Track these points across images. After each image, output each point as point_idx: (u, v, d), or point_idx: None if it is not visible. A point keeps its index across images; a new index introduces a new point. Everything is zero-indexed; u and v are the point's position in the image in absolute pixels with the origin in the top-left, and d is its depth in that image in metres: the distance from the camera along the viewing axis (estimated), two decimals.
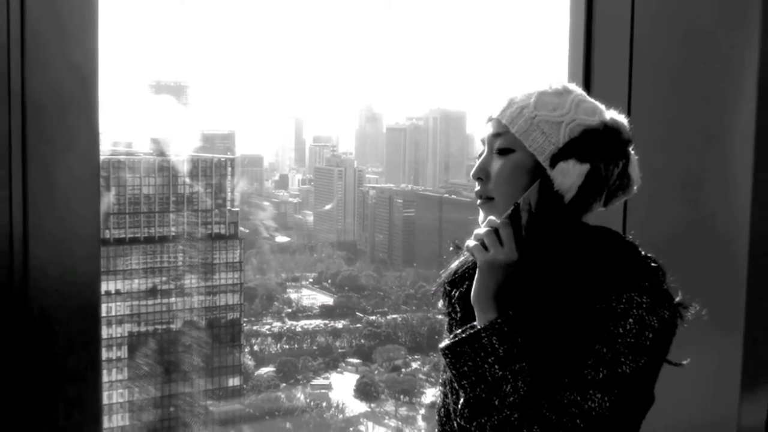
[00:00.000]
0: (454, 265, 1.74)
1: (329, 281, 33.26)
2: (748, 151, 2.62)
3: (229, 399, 26.15)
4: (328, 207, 37.03)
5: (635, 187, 1.67)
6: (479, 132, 1.68)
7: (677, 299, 1.57)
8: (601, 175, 1.59)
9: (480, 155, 1.65)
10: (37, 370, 1.87)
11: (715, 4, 2.67)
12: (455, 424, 1.57)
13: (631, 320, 1.47)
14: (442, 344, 1.56)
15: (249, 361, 28.41)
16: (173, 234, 25.59)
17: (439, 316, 1.76)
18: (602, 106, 1.65)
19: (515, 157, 1.59)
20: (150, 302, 24.82)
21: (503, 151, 1.60)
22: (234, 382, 26.25)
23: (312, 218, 38.07)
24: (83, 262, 1.92)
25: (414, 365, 29.17)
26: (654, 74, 2.76)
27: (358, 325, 30.94)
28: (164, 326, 25.20)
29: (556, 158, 1.56)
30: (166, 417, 24.73)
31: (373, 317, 31.16)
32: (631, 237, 1.65)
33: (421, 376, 28.76)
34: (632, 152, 1.65)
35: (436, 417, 1.74)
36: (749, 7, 2.57)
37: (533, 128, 1.57)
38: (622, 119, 1.65)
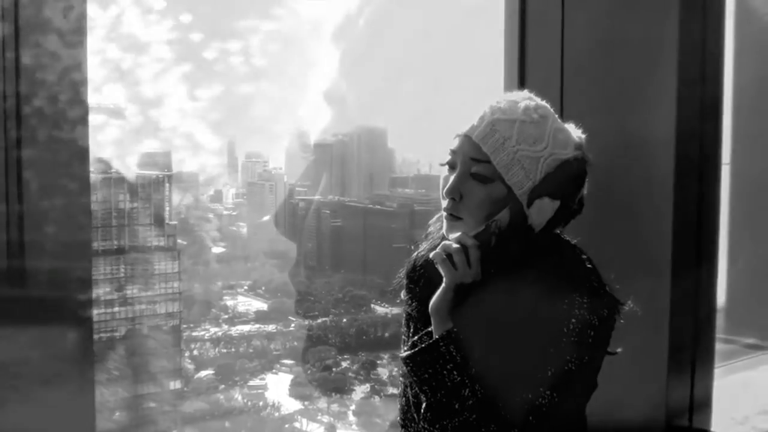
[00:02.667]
0: (413, 257, 1.71)
1: (263, 288, 33.01)
2: (669, 156, 2.66)
3: (171, 401, 25.75)
4: (266, 218, 36.72)
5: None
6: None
7: (614, 297, 1.57)
8: (569, 208, 1.61)
9: (450, 164, 1.60)
10: (36, 369, 1.84)
11: (637, 15, 2.70)
12: (416, 417, 1.58)
13: (573, 320, 1.47)
14: (403, 354, 1.54)
15: (189, 365, 28.03)
16: (115, 247, 25.14)
17: (396, 310, 1.73)
18: (571, 129, 1.64)
19: (493, 187, 1.56)
20: (94, 312, 24.30)
21: (481, 179, 1.56)
22: (175, 385, 25.86)
23: (246, 229, 37.74)
24: (76, 270, 1.89)
25: (344, 364, 29.06)
26: (582, 83, 2.79)
27: (291, 328, 30.75)
28: (108, 334, 24.70)
29: (532, 194, 1.55)
30: (112, 419, 24.24)
31: (305, 321, 31.00)
32: (573, 239, 1.66)
33: (350, 374, 28.70)
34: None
35: (398, 405, 1.73)
36: (668, 18, 2.61)
37: (514, 163, 1.53)
38: (582, 140, 1.65)
